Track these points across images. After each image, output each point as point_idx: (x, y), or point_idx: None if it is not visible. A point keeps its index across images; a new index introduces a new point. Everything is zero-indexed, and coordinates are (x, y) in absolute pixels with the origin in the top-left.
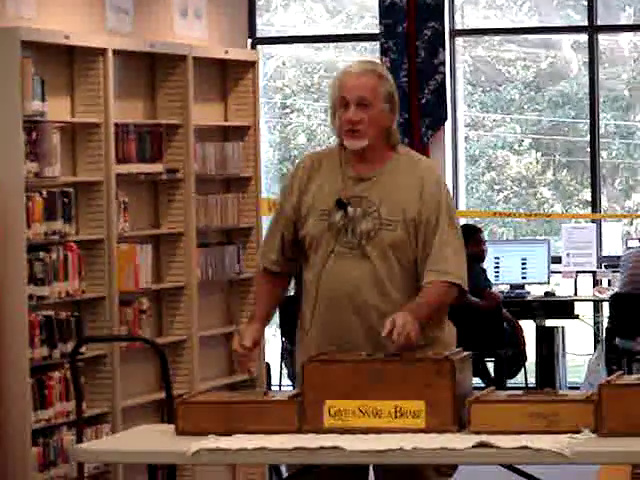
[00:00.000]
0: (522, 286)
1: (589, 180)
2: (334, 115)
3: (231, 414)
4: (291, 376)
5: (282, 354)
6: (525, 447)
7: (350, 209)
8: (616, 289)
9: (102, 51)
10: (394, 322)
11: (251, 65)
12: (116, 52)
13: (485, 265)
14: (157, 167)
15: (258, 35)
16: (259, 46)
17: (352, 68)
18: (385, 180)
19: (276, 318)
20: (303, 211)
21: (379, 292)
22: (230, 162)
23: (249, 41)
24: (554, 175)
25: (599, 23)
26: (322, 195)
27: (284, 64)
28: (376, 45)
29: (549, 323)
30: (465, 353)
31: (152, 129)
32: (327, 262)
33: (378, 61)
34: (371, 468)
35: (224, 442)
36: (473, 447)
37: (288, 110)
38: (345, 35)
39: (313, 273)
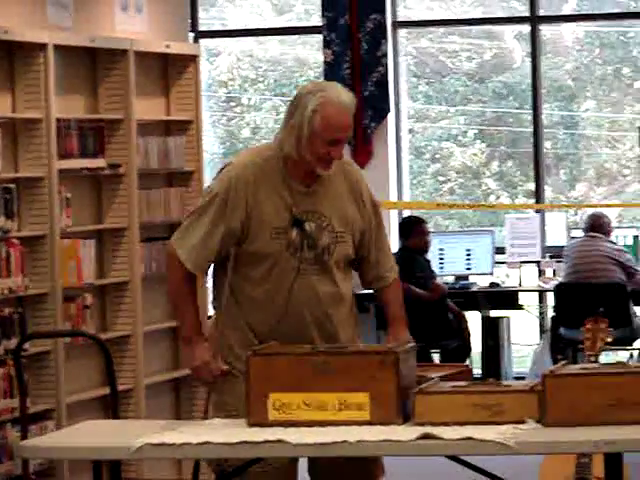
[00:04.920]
0: (466, 277)
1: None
2: (306, 140)
3: None
4: None
5: None
6: (469, 438)
7: (306, 225)
8: (560, 279)
9: (42, 46)
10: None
11: (192, 59)
12: (57, 47)
13: (429, 256)
14: (99, 162)
15: (201, 29)
16: (202, 40)
17: (338, 100)
18: (326, 189)
19: None
20: (253, 227)
21: (336, 301)
22: (173, 156)
23: (191, 35)
24: (499, 166)
25: (541, 14)
26: (274, 211)
27: (238, 59)
28: (319, 38)
29: (494, 314)
30: (410, 344)
31: (94, 124)
32: (295, 280)
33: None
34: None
35: (168, 437)
36: (417, 439)
37: (233, 104)
38: (288, 28)
39: (270, 290)
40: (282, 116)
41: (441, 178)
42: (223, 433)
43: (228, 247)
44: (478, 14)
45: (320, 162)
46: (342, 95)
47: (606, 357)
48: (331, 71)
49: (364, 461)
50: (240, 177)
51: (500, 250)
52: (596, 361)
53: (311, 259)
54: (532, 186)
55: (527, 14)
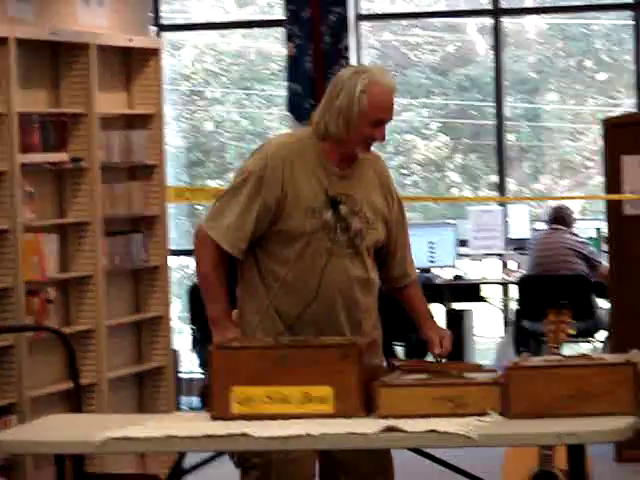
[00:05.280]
0: (429, 270)
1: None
2: (355, 121)
3: None
4: (202, 365)
5: (193, 342)
6: (432, 430)
7: (342, 207)
8: (524, 271)
9: (3, 40)
10: (441, 338)
11: (155, 53)
12: (18, 41)
13: None
14: (62, 156)
15: (164, 22)
16: (165, 33)
17: (384, 81)
18: (358, 176)
19: (186, 304)
20: (288, 205)
21: (365, 288)
22: (135, 150)
23: (154, 29)
24: (462, 159)
25: (503, 6)
26: (309, 191)
27: (201, 53)
28: (282, 31)
29: (457, 306)
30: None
31: (56, 118)
32: (328, 261)
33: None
34: None
35: (132, 431)
36: (381, 432)
37: (196, 97)
38: (250, 22)
39: (302, 271)
40: (246, 109)
41: (404, 171)
42: (187, 427)
43: (262, 226)
44: (441, 7)
45: (362, 143)
46: (386, 76)
47: (569, 349)
48: (294, 64)
49: (381, 462)
50: (276, 155)
51: (463, 243)
52: (559, 353)
53: (344, 241)
54: (495, 179)
55: (490, 7)
